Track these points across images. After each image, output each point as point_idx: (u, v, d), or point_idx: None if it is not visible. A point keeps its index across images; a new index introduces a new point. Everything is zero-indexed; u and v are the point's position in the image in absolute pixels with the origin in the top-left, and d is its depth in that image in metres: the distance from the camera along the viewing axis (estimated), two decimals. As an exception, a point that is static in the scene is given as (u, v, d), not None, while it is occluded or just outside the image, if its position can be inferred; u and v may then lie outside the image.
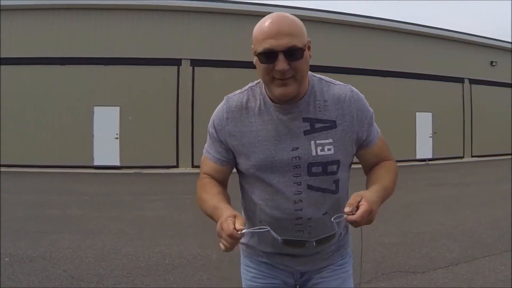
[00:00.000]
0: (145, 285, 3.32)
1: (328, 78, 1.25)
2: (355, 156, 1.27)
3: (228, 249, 0.97)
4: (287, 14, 1.10)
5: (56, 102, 12.59)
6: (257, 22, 1.11)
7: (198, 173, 1.31)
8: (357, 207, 0.99)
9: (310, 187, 1.15)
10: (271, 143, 1.15)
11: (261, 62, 1.08)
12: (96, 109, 12.82)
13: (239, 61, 13.46)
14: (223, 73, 13.33)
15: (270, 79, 1.09)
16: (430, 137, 16.33)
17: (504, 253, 4.12)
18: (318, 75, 1.23)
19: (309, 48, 1.13)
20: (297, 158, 1.14)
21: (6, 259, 3.81)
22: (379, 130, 1.29)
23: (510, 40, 18.45)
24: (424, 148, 15.77)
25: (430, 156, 15.98)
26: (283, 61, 1.04)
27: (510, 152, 17.76)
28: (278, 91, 1.09)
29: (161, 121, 13.15)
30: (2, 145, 11.95)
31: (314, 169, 1.15)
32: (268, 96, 1.18)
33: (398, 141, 13.25)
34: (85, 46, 12.63)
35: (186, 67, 13.38)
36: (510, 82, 18.31)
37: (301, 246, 1.22)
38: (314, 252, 1.25)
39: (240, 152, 1.20)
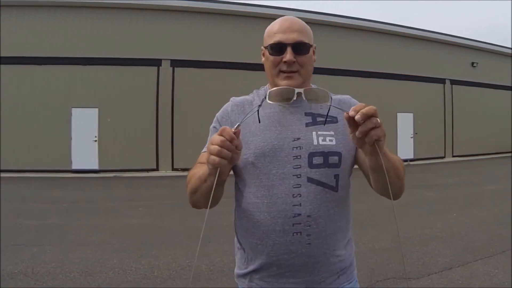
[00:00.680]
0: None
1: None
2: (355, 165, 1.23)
3: (223, 154, 0.94)
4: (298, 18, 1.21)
5: (32, 104, 12.06)
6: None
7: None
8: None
9: (310, 179, 1.12)
10: (272, 132, 1.16)
11: (270, 54, 1.18)
12: (74, 110, 12.37)
13: (220, 62, 13.29)
14: (204, 73, 13.14)
15: (277, 72, 1.18)
16: (412, 137, 16.56)
17: (495, 256, 4.16)
18: None
19: (313, 52, 1.22)
20: (298, 148, 1.13)
21: (-18, 276, 3.54)
22: None
23: (490, 41, 18.92)
24: (405, 149, 15.89)
25: (412, 157, 16.16)
26: (291, 53, 1.14)
27: (490, 152, 18.24)
28: (283, 83, 1.16)
29: (141, 123, 12.81)
30: (-27, 149, 11.38)
31: (315, 160, 1.12)
32: None
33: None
34: (62, 45, 12.18)
35: (166, 68, 13.08)
36: (490, 82, 18.79)
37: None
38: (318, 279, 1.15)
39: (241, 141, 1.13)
